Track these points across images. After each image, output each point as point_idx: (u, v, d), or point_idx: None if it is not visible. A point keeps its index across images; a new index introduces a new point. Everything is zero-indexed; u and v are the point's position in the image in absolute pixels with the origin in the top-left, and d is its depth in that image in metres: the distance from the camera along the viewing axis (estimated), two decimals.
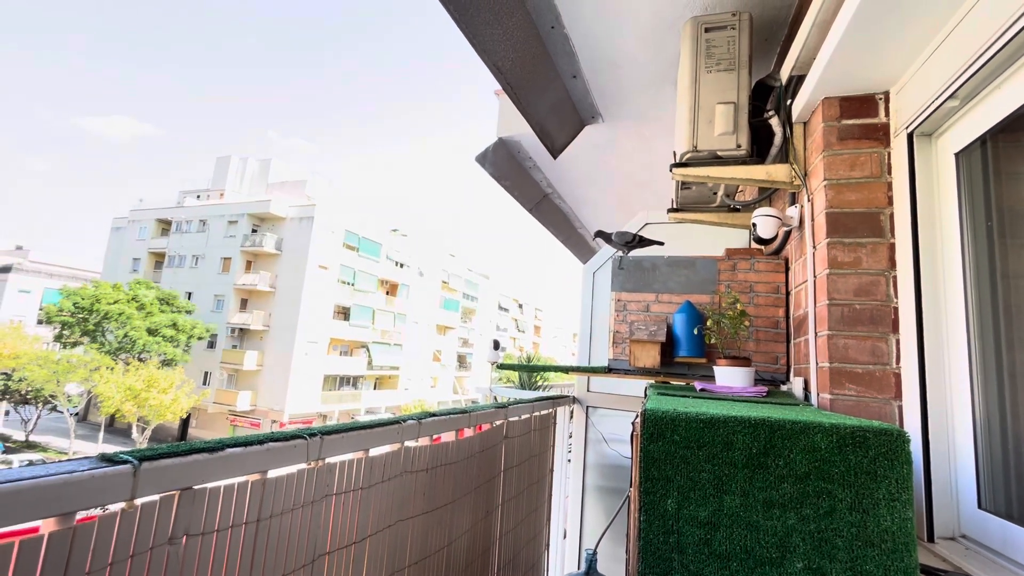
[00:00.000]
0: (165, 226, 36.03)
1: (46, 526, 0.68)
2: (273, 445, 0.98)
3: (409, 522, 1.47)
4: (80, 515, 0.71)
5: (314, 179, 36.79)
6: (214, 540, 0.90)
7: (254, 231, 32.32)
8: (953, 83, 1.31)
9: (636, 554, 1.08)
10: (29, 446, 25.91)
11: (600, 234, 2.67)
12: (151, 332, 26.35)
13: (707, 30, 2.14)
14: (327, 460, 1.15)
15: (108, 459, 0.74)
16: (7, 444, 25.13)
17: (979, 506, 1.28)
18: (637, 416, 1.16)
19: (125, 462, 0.74)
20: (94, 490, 0.70)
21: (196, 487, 0.86)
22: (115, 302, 25.64)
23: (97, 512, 0.73)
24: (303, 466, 1.08)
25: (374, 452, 1.31)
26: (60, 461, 0.73)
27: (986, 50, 1.18)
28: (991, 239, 1.36)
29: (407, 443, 1.44)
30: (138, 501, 0.78)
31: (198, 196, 37.99)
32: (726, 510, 1.01)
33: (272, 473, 1.01)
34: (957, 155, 1.43)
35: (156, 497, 0.80)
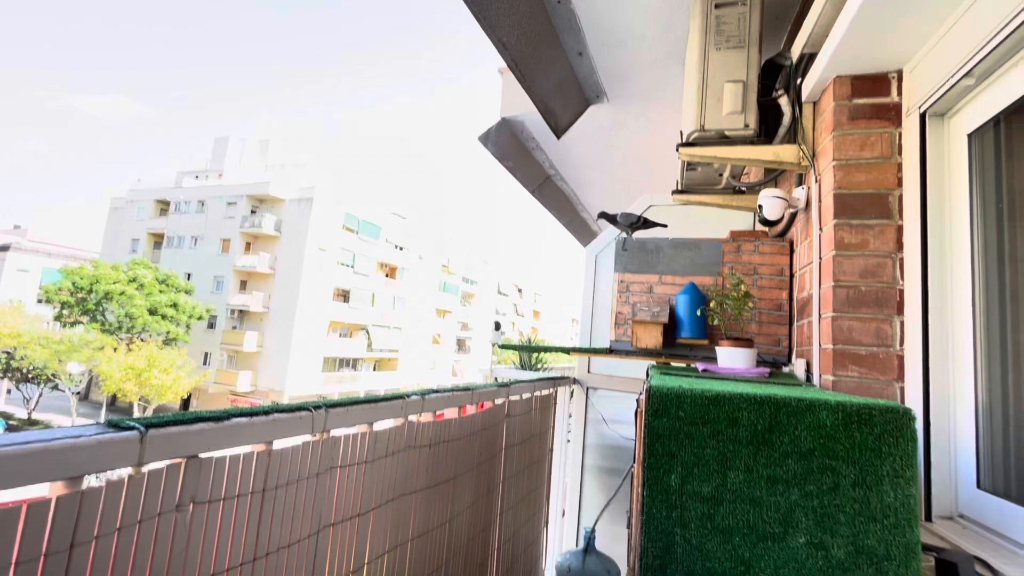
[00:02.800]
0: (164, 206, 35.81)
1: (54, 490, 0.68)
2: (279, 416, 0.99)
3: (412, 496, 1.48)
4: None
5: (314, 160, 36.52)
6: (220, 508, 0.90)
7: (253, 212, 32.15)
8: (969, 61, 1.28)
9: (639, 529, 1.09)
10: (31, 424, 26.13)
11: (604, 215, 2.65)
12: (151, 312, 26.40)
13: (717, 6, 2.10)
14: (332, 433, 1.15)
15: (115, 425, 0.73)
16: (9, 422, 25.33)
17: (978, 486, 1.29)
18: (642, 393, 1.16)
19: (132, 428, 0.73)
20: (102, 455, 0.70)
21: (202, 455, 0.86)
22: (116, 282, 25.63)
23: (94, 480, 0.72)
24: (308, 438, 1.09)
25: (378, 427, 1.32)
26: (66, 427, 0.73)
27: (1005, 26, 1.15)
28: (1001, 221, 1.35)
29: (410, 418, 1.45)
30: (145, 468, 0.78)
31: (196, 177, 37.70)
32: (730, 486, 1.02)
33: (278, 444, 1.01)
34: (970, 136, 1.41)
35: (163, 464, 0.80)
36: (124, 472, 0.76)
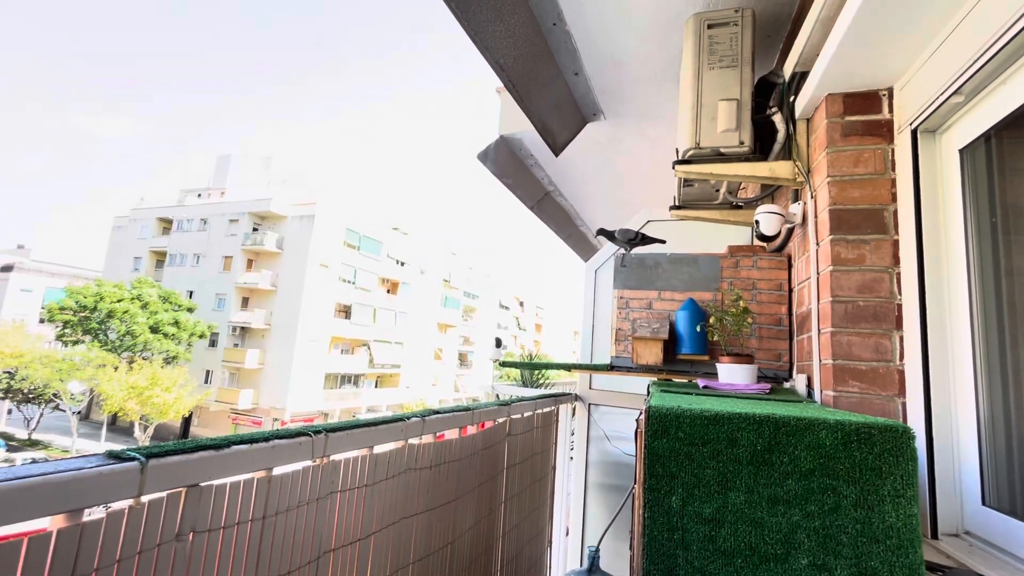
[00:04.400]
0: (166, 225, 36.06)
1: (54, 523, 0.68)
2: (278, 442, 0.99)
3: (413, 519, 1.47)
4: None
5: (315, 177, 36.90)
6: (220, 537, 0.90)
7: (255, 229, 32.35)
8: (958, 79, 1.30)
9: (640, 551, 1.08)
10: (32, 444, 25.99)
11: (602, 232, 2.67)
12: (153, 330, 26.42)
13: (710, 26, 2.14)
14: (332, 457, 1.15)
15: (116, 456, 0.74)
16: (10, 443, 25.20)
17: (983, 502, 1.28)
18: (641, 413, 1.16)
19: (133, 459, 0.74)
20: (102, 487, 0.70)
21: (203, 484, 0.86)
22: (120, 300, 25.69)
23: (101, 510, 0.73)
24: (308, 463, 1.09)
25: (378, 449, 1.31)
26: (66, 458, 0.74)
27: (992, 45, 1.18)
28: (995, 235, 1.36)
29: (411, 440, 1.44)
30: (145, 498, 0.78)
31: (199, 195, 38.01)
32: (731, 507, 1.01)
33: (277, 470, 1.01)
34: (961, 151, 1.43)
35: (163, 494, 0.80)
36: (124, 502, 0.76)
